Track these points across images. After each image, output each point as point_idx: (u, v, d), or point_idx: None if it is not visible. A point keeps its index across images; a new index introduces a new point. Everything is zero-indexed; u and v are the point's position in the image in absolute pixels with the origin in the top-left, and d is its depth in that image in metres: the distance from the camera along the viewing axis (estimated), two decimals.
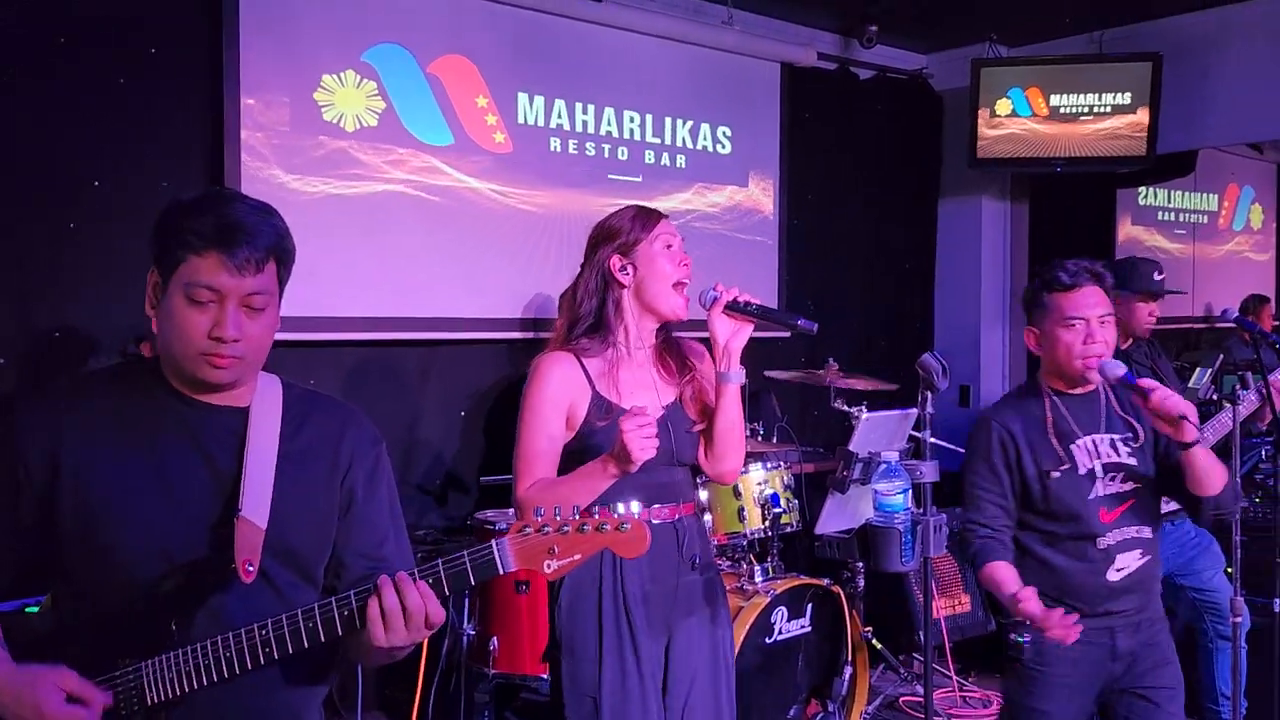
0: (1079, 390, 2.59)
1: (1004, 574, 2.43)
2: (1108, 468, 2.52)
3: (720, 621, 2.41)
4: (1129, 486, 2.52)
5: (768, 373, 4.41)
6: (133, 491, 1.58)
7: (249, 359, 1.61)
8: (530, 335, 4.33)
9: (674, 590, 2.32)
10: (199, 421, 1.64)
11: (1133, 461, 2.53)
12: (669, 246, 2.33)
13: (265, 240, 1.58)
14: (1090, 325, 2.50)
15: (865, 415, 2.41)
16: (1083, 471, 2.50)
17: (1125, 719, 2.52)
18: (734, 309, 2.27)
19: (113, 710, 1.55)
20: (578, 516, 1.50)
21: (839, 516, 2.21)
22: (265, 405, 1.68)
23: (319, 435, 1.72)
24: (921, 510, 2.23)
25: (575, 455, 2.23)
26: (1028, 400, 2.61)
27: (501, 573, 1.51)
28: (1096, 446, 2.54)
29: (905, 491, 2.20)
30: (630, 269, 2.31)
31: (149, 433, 1.62)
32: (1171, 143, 5.24)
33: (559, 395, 2.25)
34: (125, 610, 1.58)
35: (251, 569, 1.57)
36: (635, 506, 1.52)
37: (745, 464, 3.53)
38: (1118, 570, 2.52)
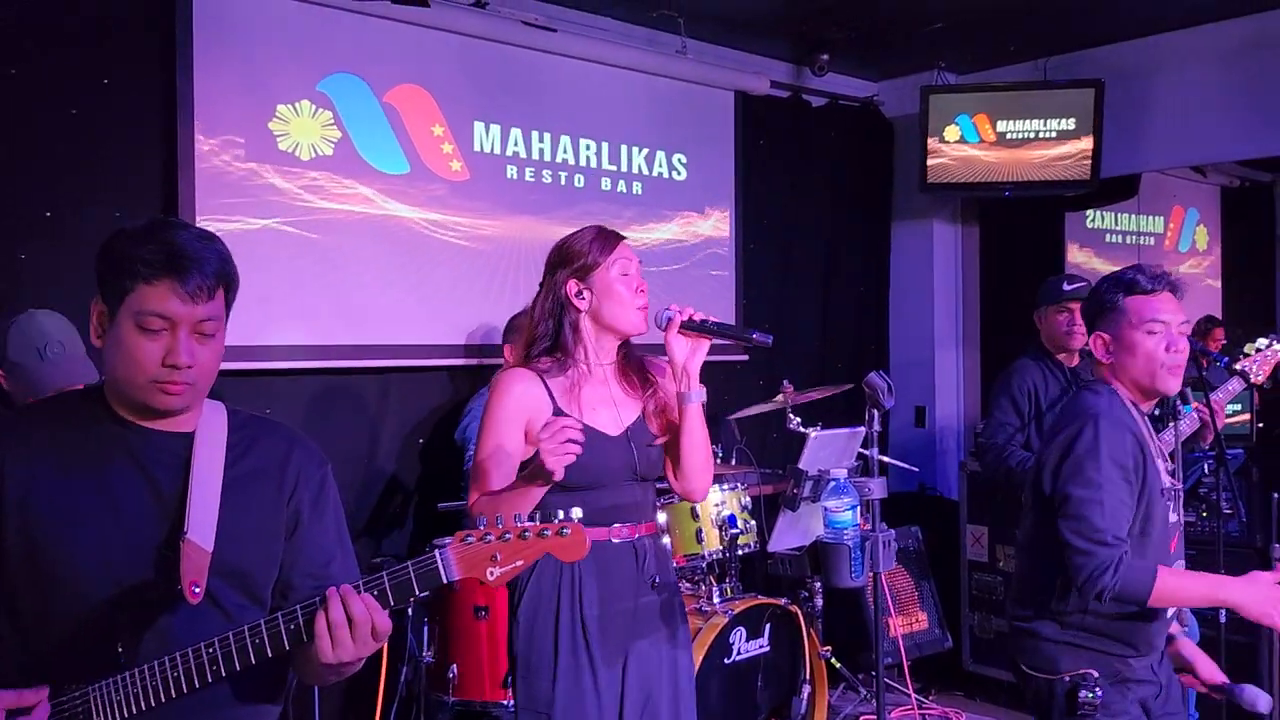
0: (1148, 407, 2.45)
1: (1191, 578, 2.26)
2: (1165, 492, 2.40)
3: (680, 643, 2.42)
4: (1178, 516, 2.44)
5: (730, 417, 4.44)
6: (78, 517, 1.60)
7: (199, 385, 1.63)
8: (484, 361, 4.35)
9: (633, 611, 2.33)
10: (143, 446, 1.65)
11: (1179, 485, 2.45)
12: (625, 274, 2.36)
13: (213, 267, 1.60)
14: (1170, 330, 2.34)
15: (814, 434, 2.45)
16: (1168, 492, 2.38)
17: None
18: (689, 327, 2.31)
19: None
20: (519, 524, 1.53)
21: (791, 534, 2.25)
22: (210, 430, 1.70)
23: (264, 458, 1.74)
24: (870, 526, 2.26)
25: (527, 467, 2.24)
26: (1119, 408, 2.36)
27: (445, 581, 1.53)
28: (1162, 470, 2.40)
29: (854, 508, 2.24)
30: (587, 294, 2.34)
31: (93, 459, 1.63)
32: (1115, 166, 5.38)
33: (517, 410, 2.28)
34: (72, 635, 1.59)
35: (198, 590, 1.58)
36: (576, 512, 1.55)
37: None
38: (1166, 619, 2.43)
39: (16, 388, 2.39)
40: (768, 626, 3.37)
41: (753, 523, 3.59)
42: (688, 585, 3.62)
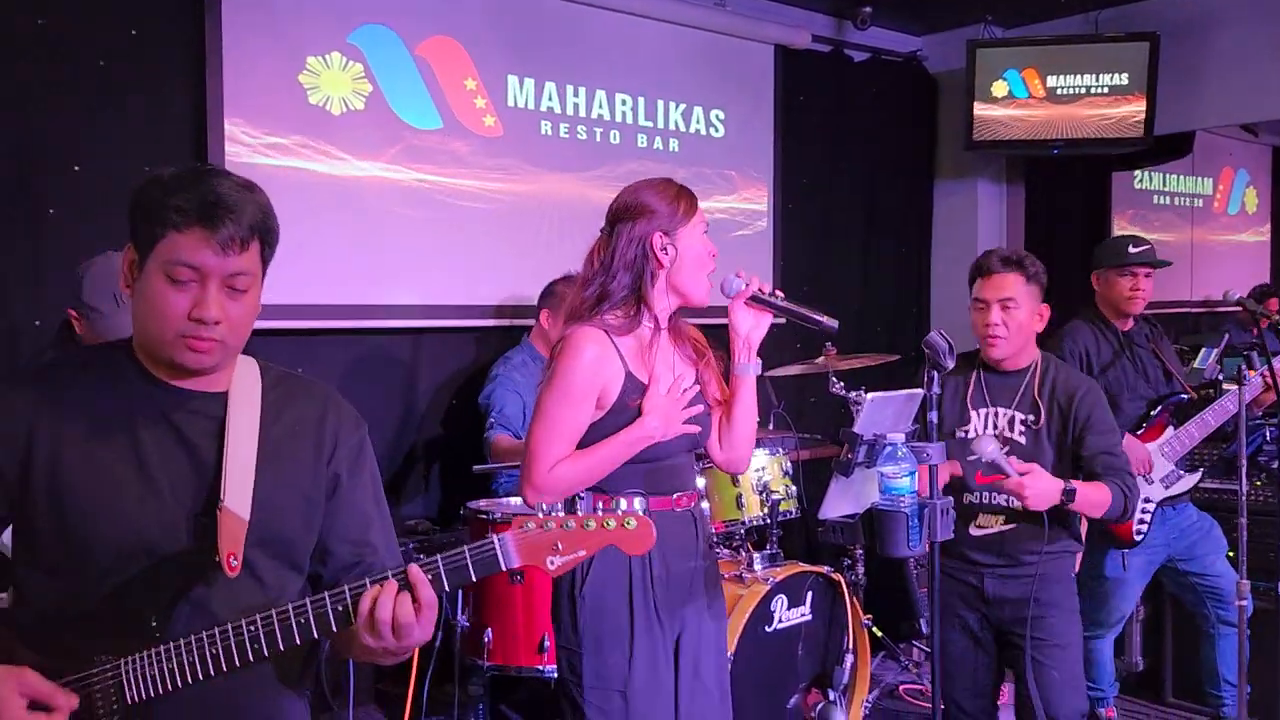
0: (1002, 367, 2.89)
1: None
2: (1002, 439, 2.80)
3: (718, 613, 2.36)
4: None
5: (766, 374, 4.34)
6: (110, 482, 1.52)
7: (229, 342, 1.54)
8: (515, 322, 4.26)
9: (690, 579, 2.27)
10: (176, 406, 1.57)
11: (1022, 440, 2.81)
12: (705, 233, 2.27)
13: (249, 218, 1.50)
14: (990, 309, 2.82)
15: (870, 396, 2.35)
16: (970, 434, 2.82)
17: (1008, 659, 2.87)
18: (758, 301, 2.23)
19: (88, 710, 1.48)
20: (581, 514, 1.46)
21: (844, 501, 2.16)
22: (244, 389, 1.61)
23: (300, 419, 1.66)
24: (928, 494, 2.17)
25: (598, 430, 2.16)
26: (960, 367, 2.84)
27: (503, 569, 1.46)
28: (996, 418, 2.86)
29: (911, 474, 2.14)
30: (671, 250, 2.21)
31: (125, 421, 1.54)
32: (1169, 124, 5.19)
33: (594, 377, 2.15)
34: (103, 604, 1.51)
35: (235, 562, 1.51)
36: (639, 503, 1.47)
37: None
38: (979, 527, 2.84)
39: (89, 332, 2.31)
40: (809, 595, 3.29)
41: (794, 488, 3.50)
42: (727, 551, 3.54)
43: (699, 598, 2.29)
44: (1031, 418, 2.82)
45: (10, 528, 1.60)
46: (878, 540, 2.15)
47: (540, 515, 1.46)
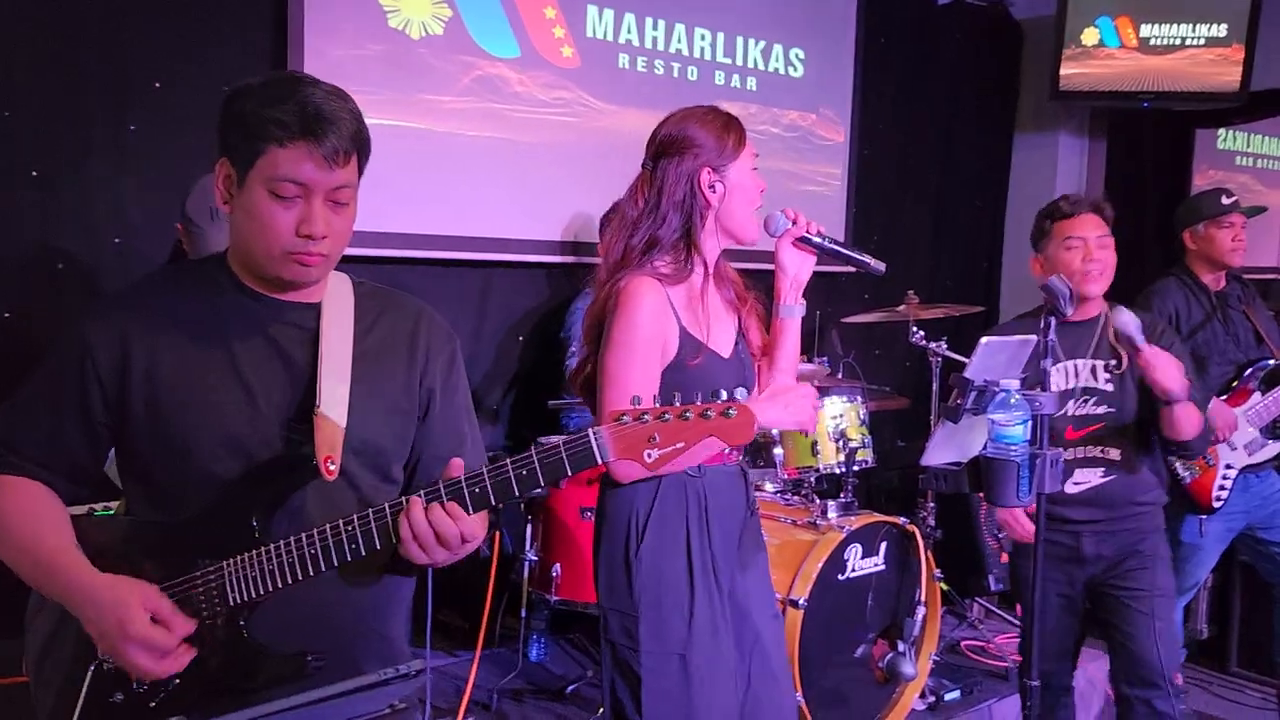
0: (1076, 315, 2.76)
1: None
2: (1085, 391, 2.76)
3: (765, 571, 2.30)
4: (1100, 410, 2.76)
5: (845, 320, 4.27)
6: (207, 389, 1.51)
7: (333, 256, 1.53)
8: (583, 260, 4.20)
9: (739, 535, 2.21)
10: (271, 317, 1.56)
11: (1109, 387, 2.75)
12: (754, 169, 2.16)
13: (348, 129, 1.47)
14: (1089, 245, 2.74)
15: (985, 340, 2.26)
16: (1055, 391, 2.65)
17: (1106, 613, 2.84)
18: (806, 242, 2.15)
19: (193, 611, 1.49)
20: (679, 404, 1.38)
21: (948, 448, 2.10)
22: (337, 301, 1.60)
23: (393, 331, 1.64)
24: (1038, 444, 2.09)
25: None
26: (1023, 324, 2.78)
27: (600, 462, 1.40)
28: (1078, 370, 2.77)
29: (1024, 423, 2.06)
30: (720, 187, 2.09)
31: (220, 330, 1.53)
32: (1266, 80, 4.97)
33: (658, 329, 2.03)
34: (205, 510, 1.52)
35: (334, 467, 1.50)
36: (740, 392, 1.39)
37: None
38: (1075, 484, 2.76)
39: (192, 246, 2.30)
40: (883, 545, 3.24)
41: (870, 438, 3.44)
42: (798, 498, 3.50)
43: (748, 555, 2.23)
44: (1113, 362, 2.76)
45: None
46: (986, 489, 2.08)
47: (635, 406, 1.40)
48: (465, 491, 1.45)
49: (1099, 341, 2.81)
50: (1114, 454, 2.77)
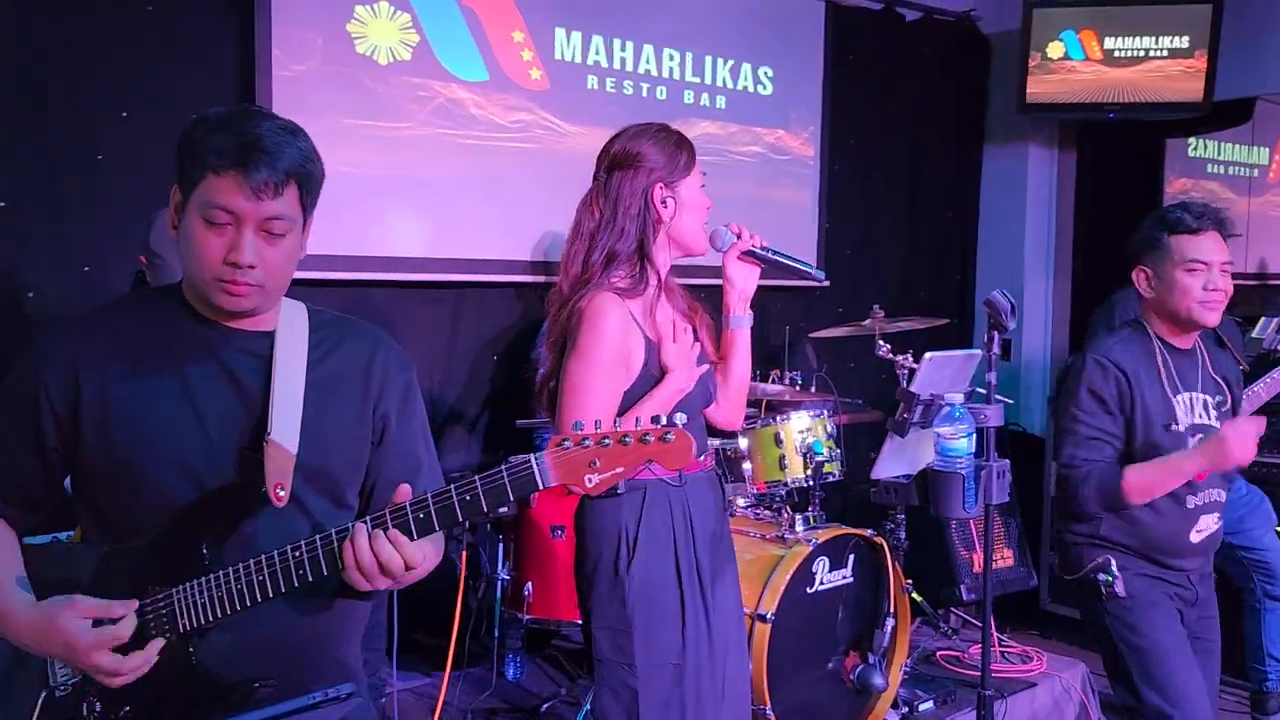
0: (1183, 343, 2.57)
1: (1154, 466, 2.38)
2: (1196, 429, 2.48)
3: (736, 579, 2.34)
4: None
5: (812, 335, 4.31)
6: (158, 415, 1.53)
7: (267, 287, 1.53)
8: (555, 279, 4.23)
9: (717, 543, 2.24)
10: (223, 345, 1.58)
11: (1219, 425, 2.50)
12: (703, 185, 2.22)
13: (286, 162, 1.49)
14: (1212, 271, 2.46)
15: (929, 355, 2.31)
16: (1182, 428, 2.46)
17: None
18: (752, 255, 2.20)
19: (143, 638, 1.51)
20: (619, 429, 1.42)
21: (897, 461, 2.13)
22: (291, 329, 1.62)
23: (348, 359, 1.67)
24: (984, 456, 2.12)
25: (630, 398, 2.10)
26: (1134, 344, 2.55)
27: (541, 488, 1.43)
28: (1193, 405, 2.52)
29: (969, 436, 2.09)
30: (671, 203, 2.15)
31: (173, 357, 1.56)
32: (1229, 89, 5.04)
33: (622, 346, 2.07)
34: (156, 538, 1.54)
35: (283, 493, 1.52)
36: (680, 418, 1.42)
37: (787, 411, 3.45)
38: (1198, 531, 2.52)
39: (155, 278, 2.33)
40: (851, 557, 3.27)
41: (838, 451, 3.47)
42: (768, 513, 3.53)
43: (722, 563, 2.26)
44: (1220, 399, 2.57)
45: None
46: (932, 501, 2.12)
47: (577, 432, 1.43)
48: (410, 518, 1.47)
49: (1204, 373, 2.60)
50: (1222, 497, 2.61)
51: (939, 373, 2.20)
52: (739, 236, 2.22)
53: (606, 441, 1.42)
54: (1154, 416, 2.45)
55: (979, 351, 2.23)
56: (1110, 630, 2.52)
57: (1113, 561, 2.47)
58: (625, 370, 2.09)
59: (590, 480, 1.43)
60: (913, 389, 2.15)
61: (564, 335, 2.13)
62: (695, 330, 2.25)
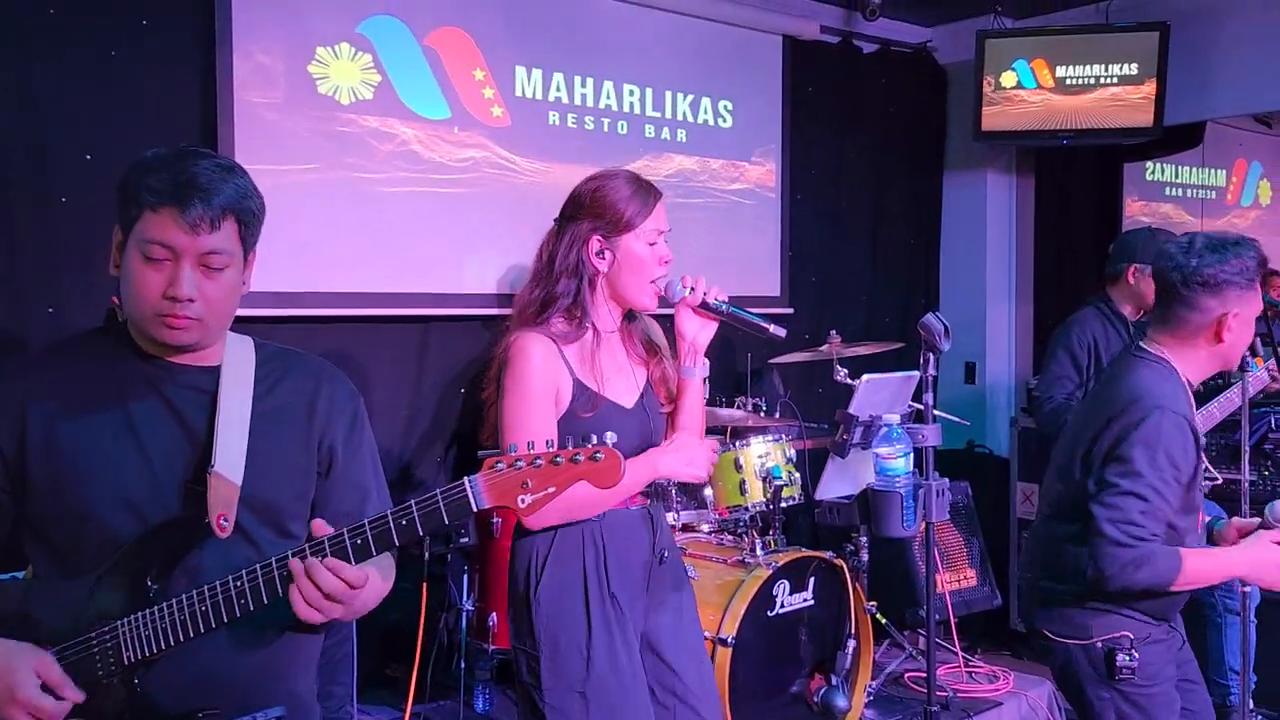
0: (1198, 386, 2.47)
1: (1209, 560, 2.27)
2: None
3: (689, 608, 2.35)
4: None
5: (772, 360, 4.37)
6: (102, 451, 1.57)
7: (208, 321, 1.57)
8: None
9: (645, 576, 2.26)
10: (167, 381, 1.62)
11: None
12: (652, 244, 2.21)
13: (223, 198, 1.54)
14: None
15: (866, 377, 2.36)
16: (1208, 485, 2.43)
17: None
18: (704, 308, 2.21)
19: (89, 671, 1.53)
20: (550, 450, 1.47)
21: (839, 482, 2.17)
22: (237, 363, 1.66)
23: (294, 391, 1.70)
24: (923, 475, 2.18)
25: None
26: (1181, 395, 2.33)
27: (475, 509, 1.48)
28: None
29: (907, 455, 2.15)
30: (609, 255, 2.18)
31: (117, 393, 1.59)
32: (1179, 114, 5.16)
33: (546, 381, 2.12)
34: (103, 572, 1.57)
35: (226, 524, 1.55)
36: (610, 437, 1.47)
37: (747, 437, 3.50)
38: None
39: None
40: (812, 580, 3.31)
41: (797, 475, 3.52)
42: (730, 537, 3.57)
43: (661, 595, 2.28)
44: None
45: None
46: (873, 520, 2.16)
47: (511, 454, 1.47)
48: (348, 544, 1.51)
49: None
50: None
51: (877, 394, 2.25)
52: (691, 290, 2.23)
53: (538, 462, 1.47)
54: (1199, 470, 2.34)
55: (916, 373, 2.28)
56: (1109, 705, 2.38)
57: (1129, 635, 2.32)
58: (555, 402, 2.14)
59: (523, 500, 1.48)
60: (851, 410, 2.20)
61: (499, 372, 2.19)
62: (650, 374, 2.29)
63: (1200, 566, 2.25)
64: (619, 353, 2.26)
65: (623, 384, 2.23)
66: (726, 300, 2.24)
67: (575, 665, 2.12)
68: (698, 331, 2.24)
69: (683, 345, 2.26)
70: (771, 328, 2.22)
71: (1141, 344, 2.43)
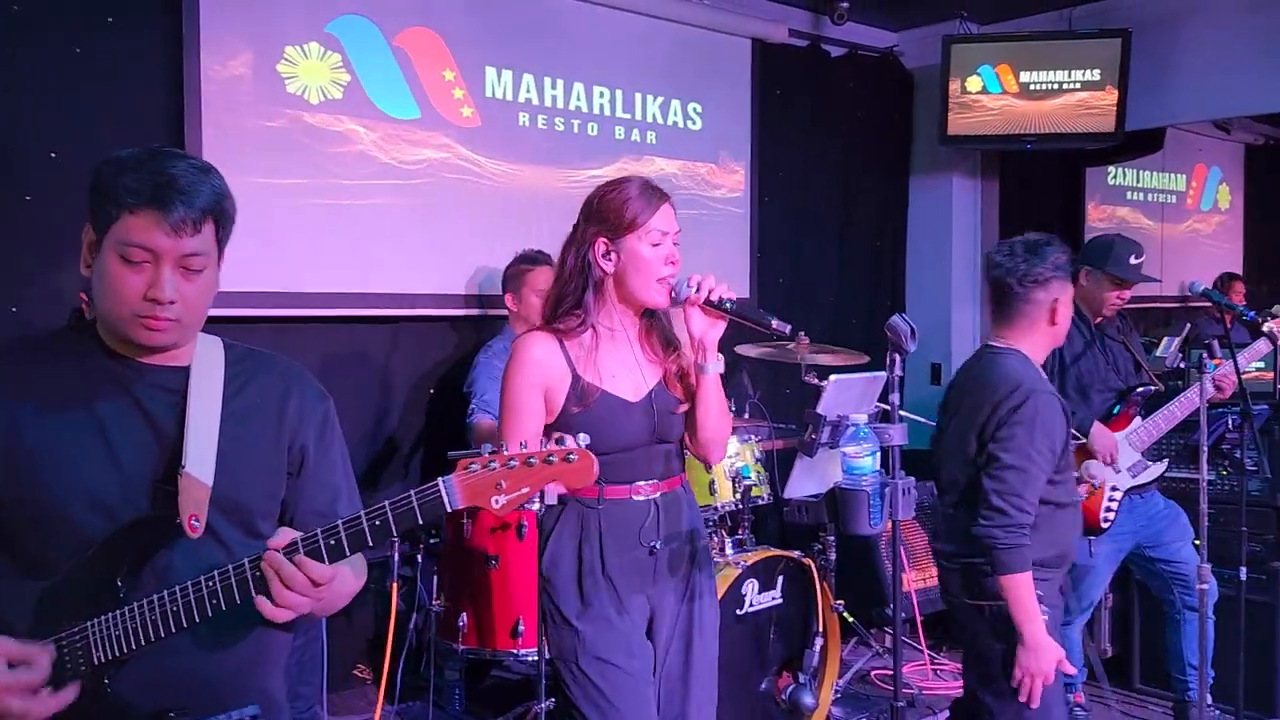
0: None
1: (1032, 603, 2.45)
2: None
3: (702, 592, 2.40)
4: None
5: (738, 349, 4.40)
6: (70, 451, 1.55)
7: (185, 321, 1.57)
8: (488, 311, 4.29)
9: (651, 564, 2.30)
10: (136, 381, 1.60)
11: None
12: (656, 244, 2.27)
13: (203, 200, 1.53)
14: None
15: (834, 378, 2.39)
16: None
17: None
18: (710, 306, 2.26)
19: (58, 671, 1.52)
20: (523, 451, 1.48)
21: (807, 481, 2.20)
22: (206, 364, 1.65)
23: (264, 392, 1.69)
24: (890, 474, 2.21)
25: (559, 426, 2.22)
26: (1042, 375, 2.67)
27: (449, 510, 1.48)
28: None
29: (873, 454, 2.18)
30: (614, 256, 2.26)
31: (85, 394, 1.58)
32: (1140, 119, 5.26)
33: (535, 378, 2.23)
34: (71, 572, 1.55)
35: (197, 524, 1.54)
36: (583, 438, 1.49)
37: None
38: None
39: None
40: (780, 579, 3.34)
41: (766, 474, 3.54)
42: None
43: (667, 581, 2.33)
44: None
45: None
46: (840, 518, 2.20)
47: (485, 455, 1.48)
48: (321, 544, 1.51)
49: None
50: None
51: (844, 394, 2.28)
52: (697, 289, 2.27)
53: (512, 463, 1.48)
54: (1069, 442, 2.67)
55: (882, 374, 2.32)
56: (1006, 659, 2.54)
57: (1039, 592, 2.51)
58: (543, 401, 2.24)
59: (497, 501, 1.48)
60: (819, 410, 2.23)
61: None
62: (665, 371, 2.34)
63: (1021, 596, 2.46)
64: (629, 350, 2.32)
65: (629, 380, 2.28)
66: (733, 299, 2.28)
67: (568, 642, 2.24)
68: (706, 329, 2.29)
69: (692, 343, 2.32)
70: (776, 323, 2.26)
71: (991, 342, 2.74)
